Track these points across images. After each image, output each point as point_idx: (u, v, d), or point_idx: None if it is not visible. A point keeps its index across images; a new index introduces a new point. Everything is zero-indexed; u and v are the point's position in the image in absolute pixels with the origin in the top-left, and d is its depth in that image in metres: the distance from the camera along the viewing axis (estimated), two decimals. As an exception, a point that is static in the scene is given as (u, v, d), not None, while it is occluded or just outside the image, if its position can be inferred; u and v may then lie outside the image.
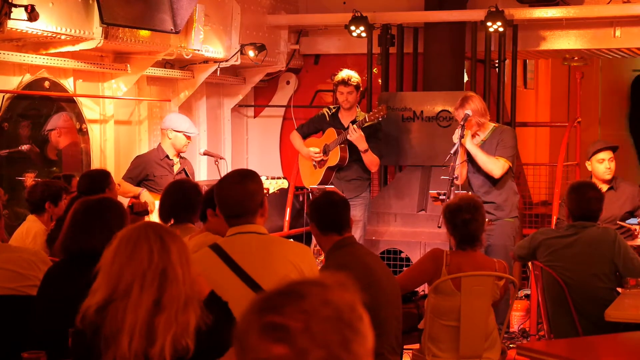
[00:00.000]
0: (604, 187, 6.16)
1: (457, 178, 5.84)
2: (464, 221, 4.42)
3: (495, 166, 6.13)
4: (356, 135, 6.72)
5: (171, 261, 2.64)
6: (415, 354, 4.61)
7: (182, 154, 6.93)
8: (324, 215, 4.15)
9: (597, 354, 3.97)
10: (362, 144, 6.74)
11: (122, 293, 2.61)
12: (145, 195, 6.49)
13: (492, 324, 4.47)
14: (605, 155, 6.37)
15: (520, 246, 5.25)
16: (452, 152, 5.84)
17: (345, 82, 6.87)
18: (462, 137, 5.99)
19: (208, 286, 2.93)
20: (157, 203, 6.05)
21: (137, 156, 6.95)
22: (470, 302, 4.35)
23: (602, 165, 6.35)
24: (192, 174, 7.04)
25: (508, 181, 6.27)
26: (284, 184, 6.52)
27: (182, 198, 4.67)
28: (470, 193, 5.76)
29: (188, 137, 6.84)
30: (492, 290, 4.44)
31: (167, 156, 6.79)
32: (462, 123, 6.01)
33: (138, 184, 6.71)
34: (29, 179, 6.40)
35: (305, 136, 7.22)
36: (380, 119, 6.82)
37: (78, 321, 2.66)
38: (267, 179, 6.37)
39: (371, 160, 6.86)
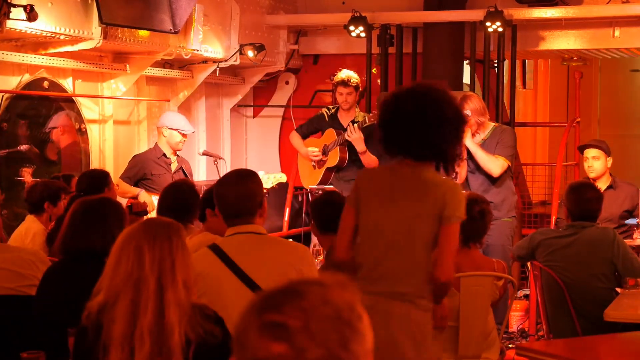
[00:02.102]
0: (602, 187, 6.17)
1: (456, 178, 5.84)
2: (480, 212, 4.41)
3: (495, 165, 6.12)
4: (355, 136, 6.71)
5: (144, 271, 2.59)
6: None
7: (179, 153, 6.92)
8: (323, 215, 4.16)
9: (597, 354, 3.97)
10: (360, 145, 6.73)
11: (112, 301, 2.60)
12: (144, 196, 6.48)
13: (491, 324, 4.47)
14: (589, 153, 6.38)
15: (520, 246, 5.25)
16: None
17: (344, 83, 6.85)
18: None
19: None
20: (155, 203, 6.05)
21: (135, 155, 6.95)
22: (469, 302, 4.35)
23: (585, 163, 6.39)
24: (190, 173, 7.04)
25: (506, 181, 6.27)
26: (282, 178, 6.52)
27: (181, 199, 4.66)
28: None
29: (183, 135, 6.84)
30: (491, 290, 4.44)
31: (164, 154, 6.80)
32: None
33: (136, 184, 6.70)
34: (27, 174, 6.39)
35: (304, 136, 7.21)
36: (379, 121, 6.82)
37: (83, 318, 2.66)
38: (265, 174, 6.38)
39: (369, 161, 6.85)
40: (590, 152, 6.37)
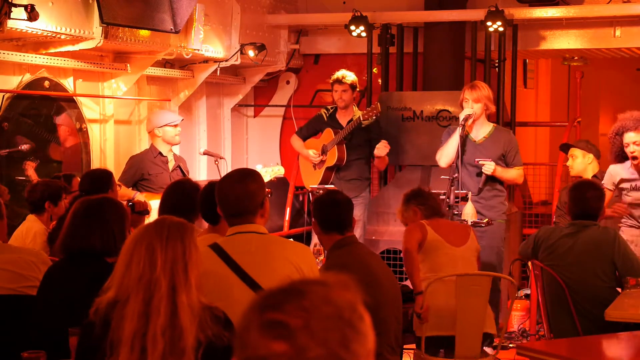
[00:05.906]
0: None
1: (456, 178, 5.83)
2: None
3: (519, 176, 6.30)
4: (386, 151, 6.79)
5: (155, 272, 2.57)
6: (417, 352, 4.61)
7: (176, 150, 6.91)
8: (326, 214, 4.16)
9: (597, 353, 3.97)
10: (383, 152, 6.85)
11: (123, 299, 2.59)
12: (139, 198, 6.45)
13: (490, 318, 4.53)
14: (570, 152, 6.43)
15: (524, 245, 5.28)
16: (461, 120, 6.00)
17: (339, 81, 6.94)
18: (462, 136, 6.01)
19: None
20: (152, 203, 6.04)
21: (131, 156, 6.94)
22: (466, 301, 4.35)
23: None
24: (187, 171, 7.04)
25: (499, 183, 6.26)
26: (280, 171, 6.54)
27: (183, 198, 4.65)
28: (465, 191, 5.83)
29: (174, 126, 6.83)
30: (487, 289, 4.49)
31: (160, 153, 6.80)
32: (462, 123, 6.01)
33: (134, 185, 6.69)
34: (30, 167, 6.39)
35: (305, 139, 7.25)
36: (374, 117, 6.83)
37: (91, 313, 2.65)
38: (263, 167, 6.40)
39: (382, 163, 7.01)
40: (571, 152, 6.44)
